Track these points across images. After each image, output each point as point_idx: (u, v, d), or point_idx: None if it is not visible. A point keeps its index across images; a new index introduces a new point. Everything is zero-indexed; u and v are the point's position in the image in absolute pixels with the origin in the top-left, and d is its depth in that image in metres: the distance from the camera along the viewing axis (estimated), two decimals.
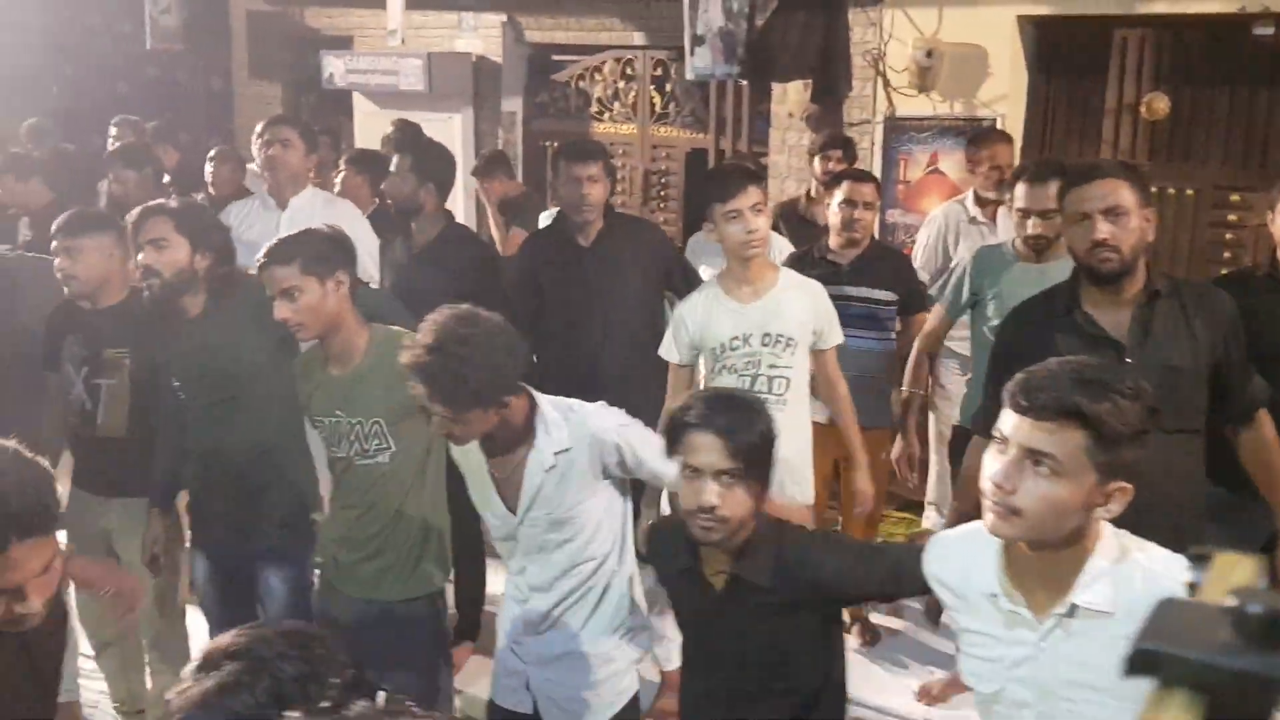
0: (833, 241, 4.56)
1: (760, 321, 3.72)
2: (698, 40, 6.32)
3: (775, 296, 3.75)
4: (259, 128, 7.09)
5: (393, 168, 4.53)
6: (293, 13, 9.77)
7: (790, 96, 6.78)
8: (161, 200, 3.80)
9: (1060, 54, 6.17)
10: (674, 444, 2.36)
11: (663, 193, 7.99)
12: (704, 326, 3.77)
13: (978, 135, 5.51)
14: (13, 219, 5.50)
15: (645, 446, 2.79)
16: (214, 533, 3.66)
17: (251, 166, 7.07)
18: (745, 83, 7.06)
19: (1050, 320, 3.01)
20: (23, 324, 4.16)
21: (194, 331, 3.56)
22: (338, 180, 5.81)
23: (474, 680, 4.28)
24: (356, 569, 3.31)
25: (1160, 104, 5.68)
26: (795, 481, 3.74)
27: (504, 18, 8.42)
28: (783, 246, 5.01)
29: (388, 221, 4.96)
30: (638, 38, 7.90)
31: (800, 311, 3.76)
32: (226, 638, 1.32)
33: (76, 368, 3.80)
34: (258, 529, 3.59)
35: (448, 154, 4.65)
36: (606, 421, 2.84)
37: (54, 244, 3.74)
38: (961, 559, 2.07)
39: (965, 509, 2.85)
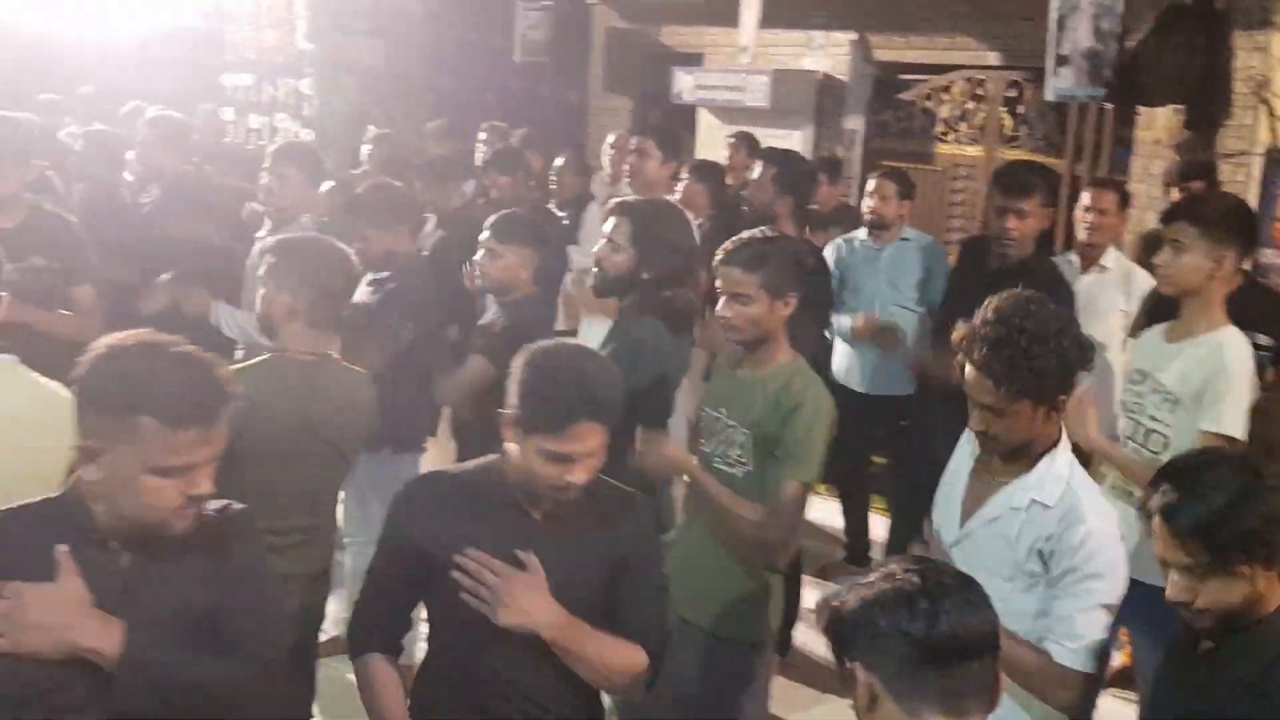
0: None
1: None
2: (1061, 60, 6.10)
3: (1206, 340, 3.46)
4: (611, 137, 7.51)
5: (754, 175, 4.62)
6: (648, 30, 10.20)
7: (1159, 122, 6.40)
8: (623, 200, 3.95)
9: None
10: None
11: None
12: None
13: None
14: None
15: (1092, 594, 2.45)
16: None
17: (601, 174, 7.47)
18: (1109, 106, 6.73)
19: None
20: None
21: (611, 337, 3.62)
22: (679, 188, 6.02)
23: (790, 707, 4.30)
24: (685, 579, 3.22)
25: None
26: None
27: (854, 36, 8.44)
28: (1143, 280, 4.75)
29: (724, 231, 5.08)
30: (991, 57, 7.71)
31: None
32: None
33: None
34: None
35: (811, 169, 4.69)
36: (1102, 520, 2.51)
37: (481, 239, 4.02)
38: None
39: None
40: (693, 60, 9.58)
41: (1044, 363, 2.44)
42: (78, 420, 1.94)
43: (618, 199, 3.97)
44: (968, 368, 2.54)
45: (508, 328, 3.87)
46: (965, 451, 2.81)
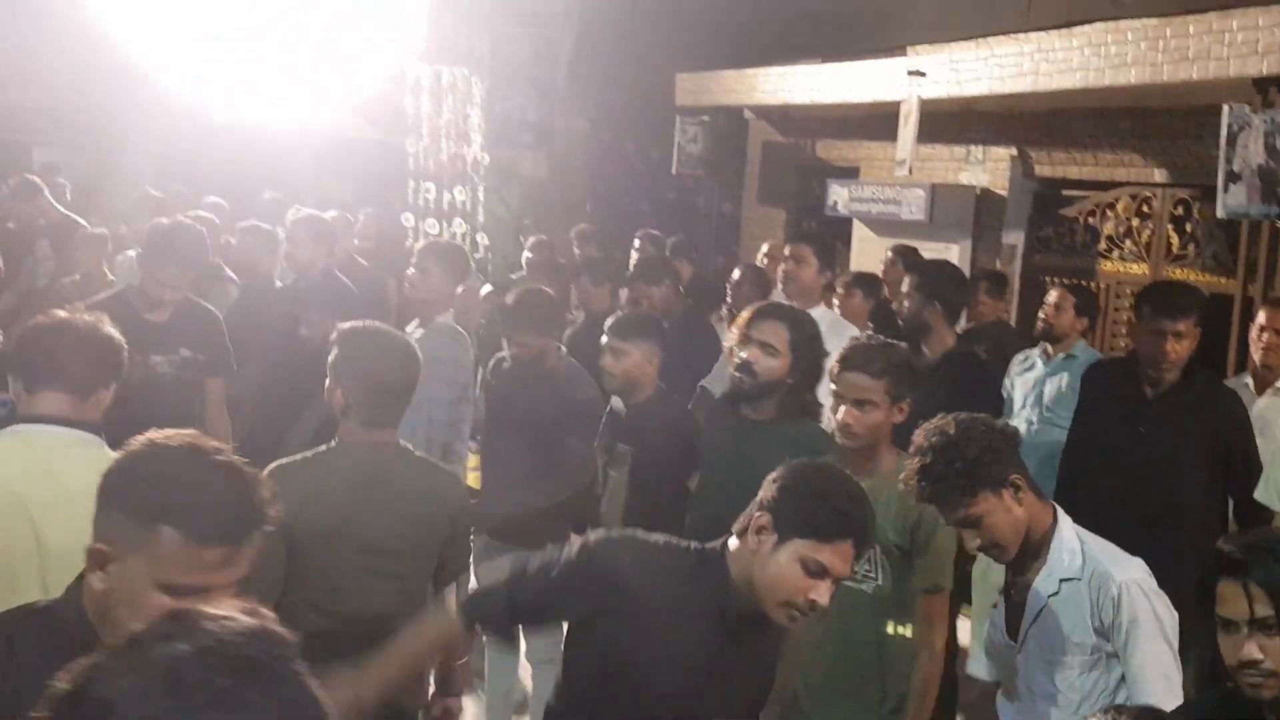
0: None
1: None
2: (1232, 177, 5.93)
3: None
4: (765, 247, 7.58)
5: (904, 288, 4.62)
6: (804, 143, 10.34)
7: None
8: (778, 304, 4.00)
9: None
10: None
11: None
12: None
13: None
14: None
15: (1151, 638, 2.56)
16: None
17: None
18: None
19: None
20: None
21: (754, 438, 3.50)
22: (836, 301, 6.02)
23: None
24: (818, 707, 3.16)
25: None
26: None
27: (1013, 151, 8.38)
28: None
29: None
30: (1158, 174, 7.54)
31: None
32: None
33: (600, 455, 4.20)
34: None
35: (959, 276, 4.67)
36: (1128, 570, 2.65)
37: (604, 342, 4.12)
38: None
39: None
40: (848, 173, 9.64)
41: (965, 453, 2.57)
42: (95, 519, 1.74)
43: (768, 302, 3.99)
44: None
45: (642, 452, 3.92)
46: (988, 583, 2.93)
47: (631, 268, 6.94)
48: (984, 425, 2.66)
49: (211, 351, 4.44)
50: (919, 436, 2.70)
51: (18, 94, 13.41)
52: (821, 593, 2.24)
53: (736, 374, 3.53)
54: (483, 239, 6.90)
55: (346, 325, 3.05)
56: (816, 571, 2.22)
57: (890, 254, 6.99)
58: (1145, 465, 4.12)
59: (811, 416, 3.59)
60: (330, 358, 2.97)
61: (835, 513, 2.24)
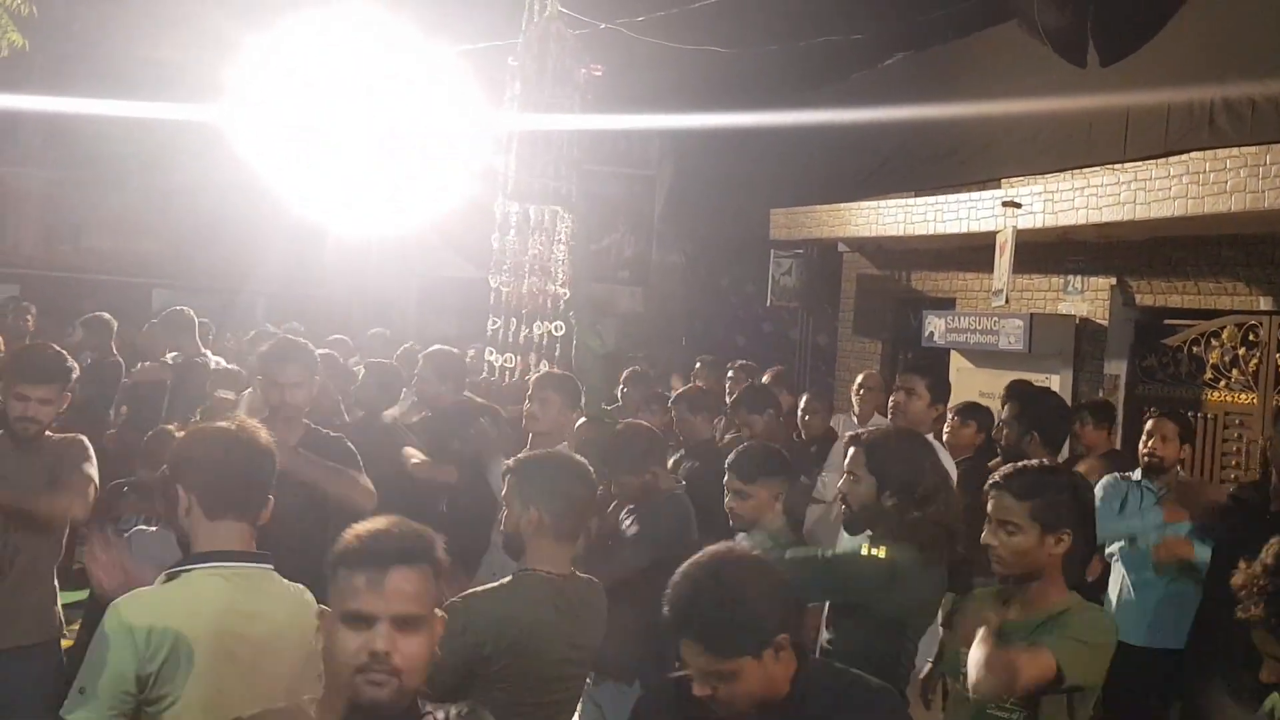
0: None
1: None
2: None
3: None
4: (860, 378, 7.56)
5: (1003, 415, 4.56)
6: (899, 276, 10.38)
7: None
8: (858, 432, 3.98)
9: None
10: None
11: None
12: None
13: None
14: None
15: None
16: None
17: (843, 416, 7.50)
18: None
19: None
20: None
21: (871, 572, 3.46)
22: (946, 430, 5.95)
23: None
24: None
25: None
26: None
27: (1113, 281, 8.30)
28: None
29: (976, 471, 4.96)
30: (1264, 302, 7.39)
31: None
32: None
33: None
34: None
35: (1060, 405, 4.59)
36: None
37: (725, 481, 4.07)
38: None
39: None
40: (944, 304, 9.63)
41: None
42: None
43: (853, 432, 3.98)
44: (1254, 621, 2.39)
45: None
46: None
47: (729, 397, 6.98)
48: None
49: None
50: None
51: (141, 242, 14.21)
52: None
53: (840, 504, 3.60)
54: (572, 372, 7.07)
55: (523, 454, 3.25)
56: None
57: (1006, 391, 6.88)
58: None
59: (932, 538, 3.45)
60: (509, 486, 3.13)
61: None
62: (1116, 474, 5.36)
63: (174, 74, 9.99)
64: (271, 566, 2.62)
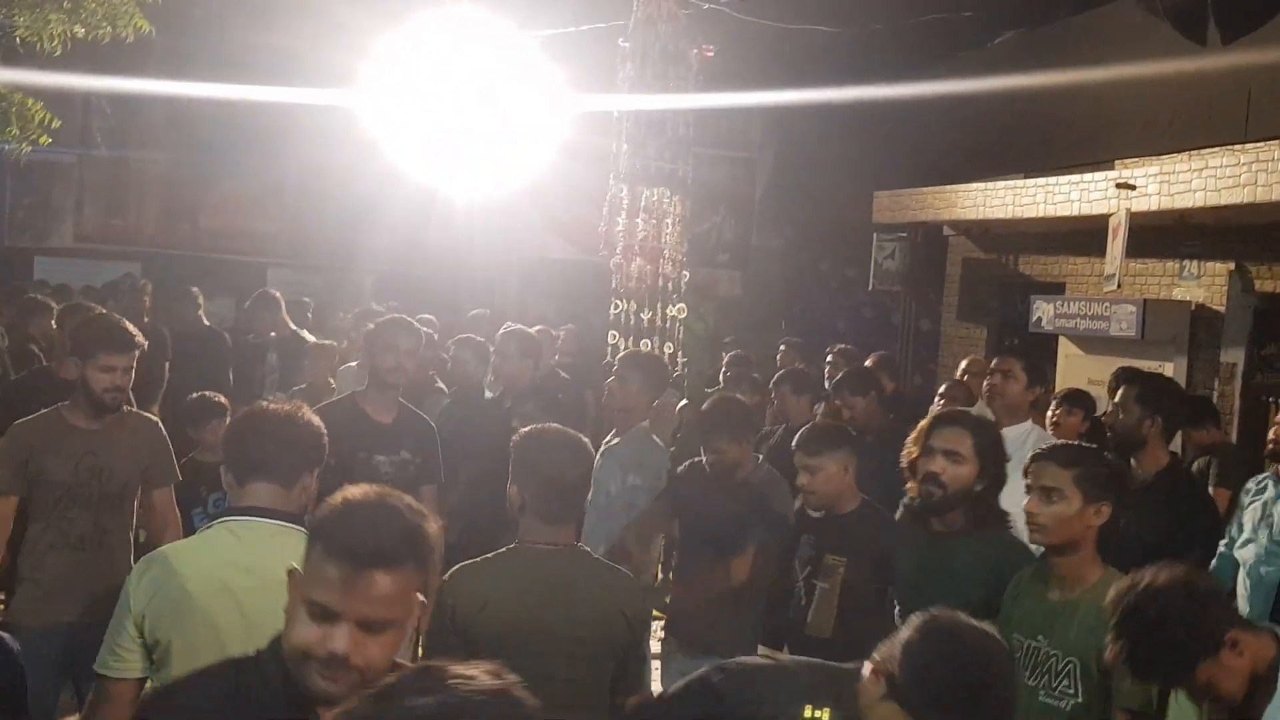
0: None
1: None
2: None
3: None
4: (964, 363, 7.45)
5: (1117, 398, 4.40)
6: (1006, 260, 10.19)
7: None
8: (957, 410, 3.96)
9: None
10: None
11: None
12: None
13: None
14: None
15: None
16: None
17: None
18: None
19: None
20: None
21: (951, 551, 3.42)
22: (1051, 419, 5.83)
23: None
24: None
25: None
26: None
27: (1231, 266, 8.04)
28: None
29: None
30: None
31: None
32: None
33: (801, 566, 4.15)
34: None
35: (1181, 393, 4.43)
36: None
37: (796, 460, 4.10)
38: None
39: None
40: (1052, 289, 9.43)
41: (1170, 636, 2.49)
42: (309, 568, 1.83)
43: (945, 410, 3.92)
44: None
45: (855, 563, 3.90)
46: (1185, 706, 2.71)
47: (829, 380, 6.94)
48: (1180, 595, 2.55)
49: (425, 458, 4.60)
50: (1113, 596, 2.60)
51: (256, 222, 14.67)
52: None
53: (925, 486, 3.42)
54: (680, 356, 7.06)
55: (523, 429, 3.11)
56: None
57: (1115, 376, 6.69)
58: None
59: (1001, 524, 3.45)
60: (511, 461, 3.04)
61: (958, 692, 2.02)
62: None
63: (288, 60, 10.25)
64: (300, 528, 2.52)
